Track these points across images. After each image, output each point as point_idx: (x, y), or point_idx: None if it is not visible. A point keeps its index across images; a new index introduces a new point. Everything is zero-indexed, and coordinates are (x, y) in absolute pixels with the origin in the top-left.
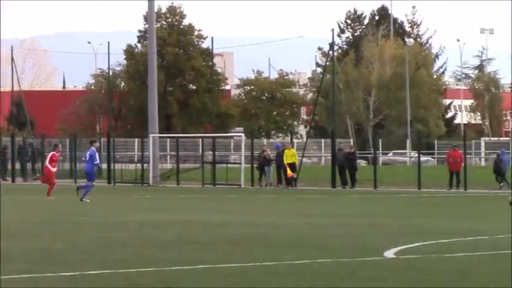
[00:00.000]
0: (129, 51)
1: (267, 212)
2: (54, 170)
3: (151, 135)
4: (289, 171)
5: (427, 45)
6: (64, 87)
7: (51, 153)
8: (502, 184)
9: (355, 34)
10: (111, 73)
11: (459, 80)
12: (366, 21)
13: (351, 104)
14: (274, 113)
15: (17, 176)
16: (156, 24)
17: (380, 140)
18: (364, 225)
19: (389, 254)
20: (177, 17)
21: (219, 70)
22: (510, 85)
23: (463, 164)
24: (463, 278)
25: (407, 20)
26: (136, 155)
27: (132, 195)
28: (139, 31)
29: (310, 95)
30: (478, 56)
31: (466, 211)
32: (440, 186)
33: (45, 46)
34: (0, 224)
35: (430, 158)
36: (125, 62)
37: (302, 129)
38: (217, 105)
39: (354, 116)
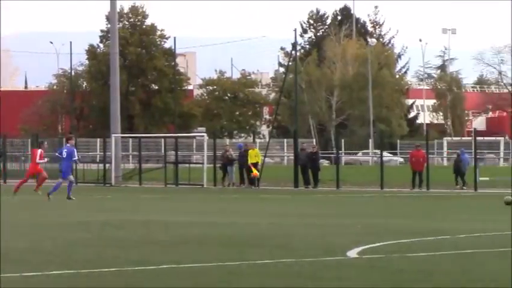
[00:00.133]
0: (91, 51)
1: (230, 212)
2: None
3: (113, 135)
4: (254, 171)
5: (390, 45)
6: (26, 87)
7: (40, 150)
8: (463, 185)
9: (318, 34)
10: (73, 73)
11: (421, 79)
12: (329, 21)
13: (313, 103)
14: (237, 113)
15: None
16: (118, 24)
17: (342, 140)
18: (327, 225)
19: (352, 253)
20: (139, 17)
21: (182, 70)
22: (472, 85)
23: (425, 164)
24: (425, 277)
25: (370, 20)
26: (98, 155)
27: (94, 195)
28: (102, 31)
29: (272, 95)
30: (440, 56)
31: (428, 211)
32: (403, 186)
33: (7, 46)
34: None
35: (393, 158)
36: (87, 62)
37: (264, 129)
38: (180, 105)
39: (316, 115)
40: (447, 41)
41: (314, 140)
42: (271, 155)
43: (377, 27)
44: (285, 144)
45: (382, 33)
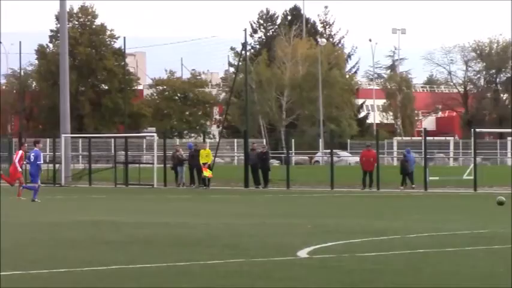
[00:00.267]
0: (41, 51)
1: (180, 212)
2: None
3: (63, 135)
4: (208, 172)
5: (340, 45)
6: None
7: (21, 151)
8: (407, 185)
9: (268, 34)
10: (22, 73)
11: (371, 79)
12: (279, 21)
13: (263, 103)
14: (187, 113)
15: None
16: (68, 24)
17: (293, 140)
18: (277, 225)
19: (303, 253)
20: (89, 17)
21: (132, 70)
22: (422, 85)
23: (376, 164)
24: (376, 277)
25: (320, 20)
26: (48, 155)
27: (44, 195)
28: (51, 31)
29: (222, 95)
30: (390, 55)
31: (379, 210)
32: (353, 186)
33: None
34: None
35: (343, 158)
36: (36, 62)
37: (215, 129)
38: (130, 105)
39: (266, 115)
40: (397, 41)
41: (264, 140)
42: (221, 155)
43: (327, 27)
44: (235, 144)
45: (332, 33)
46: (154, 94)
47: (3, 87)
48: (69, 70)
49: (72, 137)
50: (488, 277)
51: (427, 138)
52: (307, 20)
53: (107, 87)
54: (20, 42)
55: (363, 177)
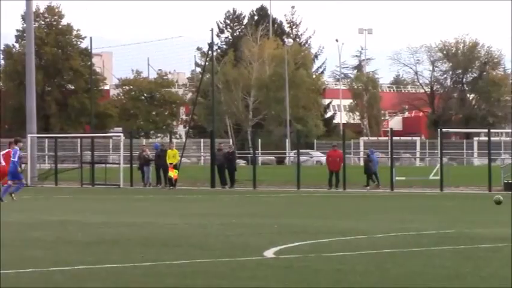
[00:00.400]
0: (7, 51)
1: (147, 212)
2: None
3: (29, 135)
4: (174, 172)
5: (306, 45)
6: None
7: (7, 150)
8: (374, 185)
9: (235, 34)
10: None
11: (338, 79)
12: (245, 21)
13: (230, 104)
14: (153, 113)
15: None
16: (34, 24)
17: (259, 140)
18: (243, 225)
19: (269, 253)
20: (55, 17)
21: (98, 70)
22: (388, 85)
23: (342, 164)
24: (342, 277)
25: (287, 20)
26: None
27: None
28: (17, 31)
29: (189, 95)
30: (356, 56)
31: (346, 211)
32: (320, 186)
33: None
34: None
35: (315, 157)
36: (2, 61)
37: (181, 129)
38: (96, 105)
39: (233, 116)
40: (364, 41)
41: (231, 140)
42: (187, 155)
43: (294, 27)
44: (202, 144)
45: (299, 33)
46: (121, 94)
47: None
48: (36, 70)
49: (38, 137)
50: (455, 277)
51: (394, 138)
52: (274, 20)
53: (73, 87)
54: None
55: (329, 177)
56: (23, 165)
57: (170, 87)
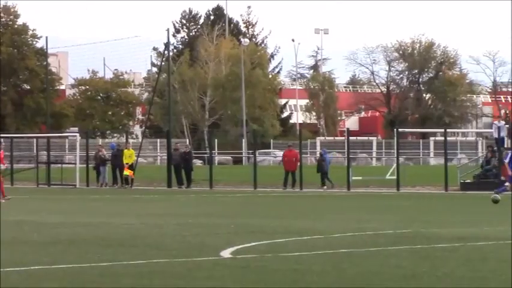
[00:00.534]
0: None
1: (103, 212)
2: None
3: None
4: (130, 172)
5: (263, 45)
6: None
7: None
8: (330, 184)
9: (191, 34)
10: None
11: (294, 79)
12: (201, 21)
13: (186, 103)
14: (110, 112)
15: None
16: None
17: (216, 140)
18: (200, 225)
19: (226, 253)
20: (11, 17)
21: (54, 70)
22: (345, 85)
23: (298, 164)
24: (299, 277)
25: (243, 20)
26: None
27: None
28: None
29: (145, 95)
30: (313, 56)
31: (302, 210)
32: (276, 186)
33: None
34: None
35: (266, 158)
36: None
37: (138, 129)
38: (52, 105)
39: (189, 115)
40: (320, 41)
41: (187, 140)
42: (144, 155)
43: (250, 27)
44: (158, 144)
45: (255, 33)
46: (77, 94)
47: None
48: None
49: None
50: (412, 277)
51: (350, 138)
52: (230, 20)
53: (29, 87)
54: None
55: (285, 177)
56: None
57: (126, 87)
